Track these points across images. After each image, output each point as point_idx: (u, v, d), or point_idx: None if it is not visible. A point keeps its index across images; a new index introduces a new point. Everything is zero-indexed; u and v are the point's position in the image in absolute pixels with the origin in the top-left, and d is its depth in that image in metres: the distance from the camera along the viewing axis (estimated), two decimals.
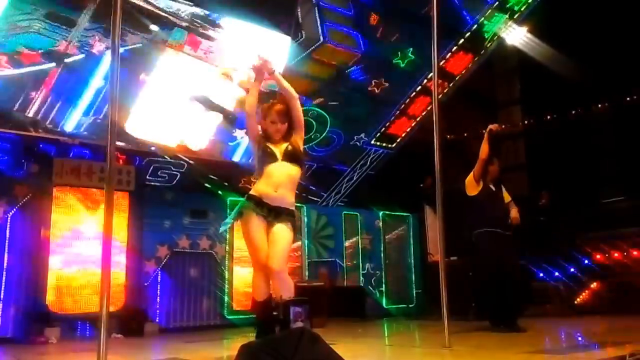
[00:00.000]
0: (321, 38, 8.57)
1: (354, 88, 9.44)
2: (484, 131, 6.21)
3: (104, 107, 7.15)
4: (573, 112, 10.71)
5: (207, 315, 8.27)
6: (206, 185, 8.73)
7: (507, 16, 9.87)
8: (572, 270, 8.89)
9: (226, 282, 8.48)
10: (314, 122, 9.29)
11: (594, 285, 8.63)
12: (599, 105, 10.58)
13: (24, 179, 7.18)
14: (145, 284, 7.76)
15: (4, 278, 6.74)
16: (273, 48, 8.24)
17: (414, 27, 8.82)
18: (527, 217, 6.95)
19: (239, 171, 8.90)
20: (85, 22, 6.90)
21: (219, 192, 8.81)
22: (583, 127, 10.67)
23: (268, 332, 3.65)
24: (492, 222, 6.02)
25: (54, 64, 6.95)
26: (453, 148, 9.71)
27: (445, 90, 9.97)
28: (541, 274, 9.03)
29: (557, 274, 8.93)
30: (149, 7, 7.29)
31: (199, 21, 7.77)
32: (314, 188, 9.68)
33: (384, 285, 10.32)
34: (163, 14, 7.44)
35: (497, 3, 9.69)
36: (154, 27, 7.48)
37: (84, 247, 7.24)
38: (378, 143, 10.39)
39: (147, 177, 8.21)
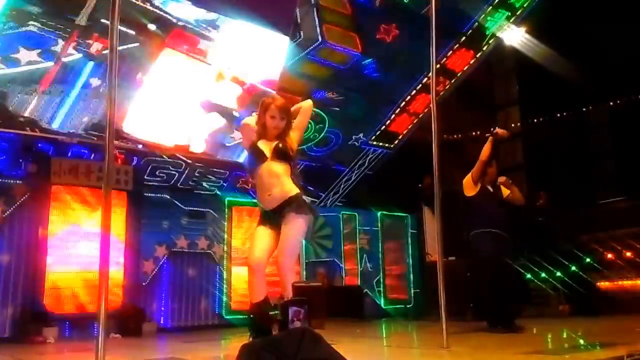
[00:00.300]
0: (319, 38, 8.56)
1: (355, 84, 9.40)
2: (488, 134, 6.23)
3: (102, 106, 7.14)
4: (571, 112, 10.73)
5: (205, 315, 8.27)
6: (204, 185, 8.73)
7: (508, 13, 9.86)
8: (570, 270, 8.89)
9: (224, 282, 8.48)
10: (312, 122, 9.28)
11: (591, 285, 8.63)
12: (597, 106, 10.59)
13: (22, 178, 7.17)
14: (144, 284, 7.77)
15: (1, 277, 6.73)
16: (271, 48, 8.26)
17: (412, 27, 8.80)
18: (525, 218, 6.96)
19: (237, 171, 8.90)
20: (83, 22, 6.89)
21: (217, 192, 8.81)
22: (581, 127, 10.69)
23: (264, 333, 3.63)
24: (489, 222, 6.02)
25: (52, 63, 6.94)
26: (451, 149, 9.71)
27: (446, 88, 9.97)
28: (540, 274, 9.03)
29: (555, 274, 8.94)
30: (147, 6, 7.29)
31: (198, 21, 7.76)
32: (312, 188, 9.67)
33: (382, 286, 10.32)
34: (161, 13, 7.43)
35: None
36: (152, 27, 7.47)
37: (81, 246, 7.23)
38: (377, 143, 10.38)
39: (145, 177, 8.20)
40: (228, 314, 8.37)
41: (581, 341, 5.36)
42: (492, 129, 6.48)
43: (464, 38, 9.80)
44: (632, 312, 7.29)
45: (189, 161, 8.50)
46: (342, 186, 10.49)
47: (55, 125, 7.22)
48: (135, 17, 7.19)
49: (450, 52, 9.83)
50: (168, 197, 8.26)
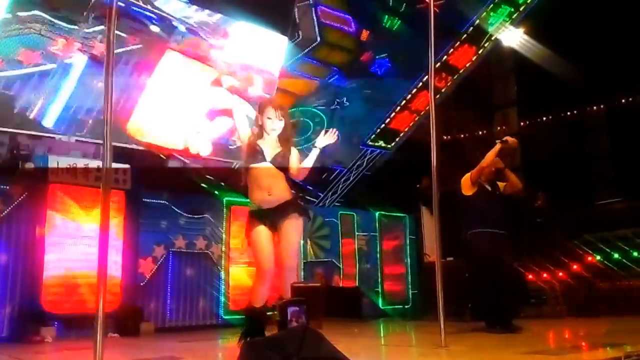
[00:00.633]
0: (318, 38, 8.56)
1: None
2: (497, 140, 6.25)
3: (102, 106, 7.11)
4: (569, 113, 10.75)
5: (204, 315, 8.26)
6: (203, 185, 8.72)
7: (511, 9, 9.86)
8: (568, 270, 8.91)
9: (222, 282, 8.47)
10: (310, 123, 9.28)
11: (589, 286, 8.64)
12: (595, 107, 10.61)
13: (20, 177, 7.15)
14: (142, 284, 7.75)
15: None
16: (270, 48, 8.25)
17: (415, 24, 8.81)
18: (523, 218, 6.96)
19: (235, 171, 8.88)
20: (86, 23, 6.88)
21: (216, 192, 8.80)
22: (579, 128, 10.71)
23: (258, 334, 3.63)
24: (487, 222, 6.03)
25: (54, 65, 6.93)
26: (449, 149, 9.73)
27: (448, 84, 9.97)
28: (538, 275, 9.04)
29: (553, 274, 8.95)
30: (149, 7, 7.28)
31: (200, 22, 7.76)
32: (310, 188, 9.67)
33: (380, 286, 10.32)
34: (163, 14, 7.42)
35: None
36: (154, 28, 7.46)
37: (80, 246, 7.21)
38: (377, 140, 10.36)
39: (144, 176, 8.17)
40: (226, 314, 8.36)
41: (579, 341, 5.37)
42: (502, 138, 6.49)
43: (465, 35, 9.81)
44: (630, 313, 7.29)
45: (187, 161, 8.49)
46: (341, 186, 10.49)
47: (53, 125, 7.21)
48: (137, 18, 7.19)
49: (452, 49, 9.83)
50: (166, 197, 8.24)
